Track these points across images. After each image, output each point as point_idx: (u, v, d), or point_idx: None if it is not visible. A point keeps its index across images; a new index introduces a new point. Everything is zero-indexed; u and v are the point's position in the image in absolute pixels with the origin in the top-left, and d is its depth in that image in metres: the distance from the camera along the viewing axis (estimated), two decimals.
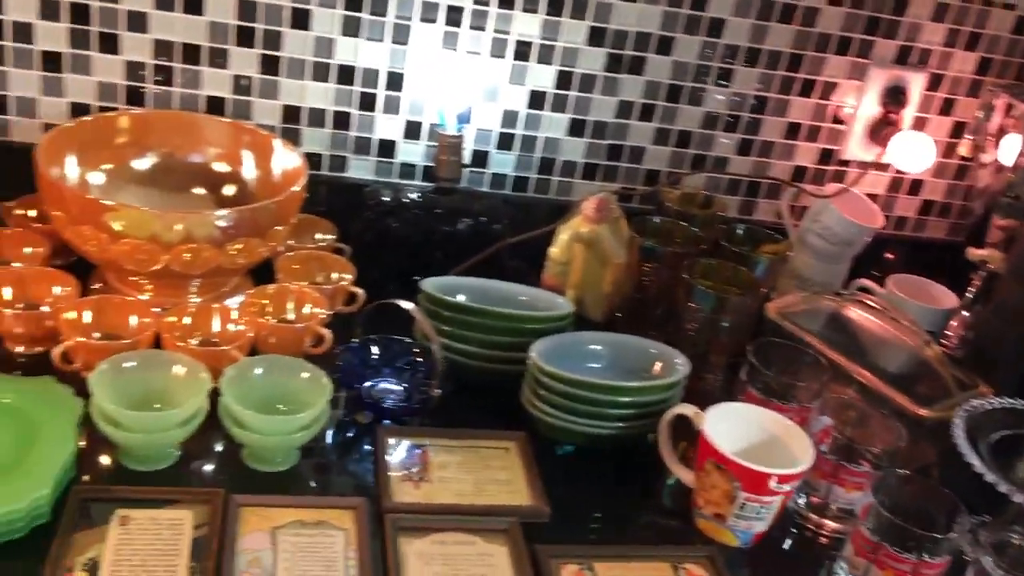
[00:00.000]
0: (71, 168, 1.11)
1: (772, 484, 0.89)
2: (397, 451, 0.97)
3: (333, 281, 1.18)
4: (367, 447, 0.99)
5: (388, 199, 1.27)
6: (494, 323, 1.07)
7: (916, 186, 1.48)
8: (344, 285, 1.15)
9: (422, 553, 0.86)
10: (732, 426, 0.94)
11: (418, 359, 1.06)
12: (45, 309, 1.00)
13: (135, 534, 0.81)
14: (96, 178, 1.14)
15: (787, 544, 0.97)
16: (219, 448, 0.94)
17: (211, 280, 1.12)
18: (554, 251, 1.21)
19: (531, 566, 0.85)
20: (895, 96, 1.37)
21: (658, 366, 1.07)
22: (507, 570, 0.85)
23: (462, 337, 1.07)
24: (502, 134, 1.34)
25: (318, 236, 1.27)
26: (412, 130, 1.32)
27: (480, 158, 1.35)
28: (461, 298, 1.09)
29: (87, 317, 1.01)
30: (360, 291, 1.15)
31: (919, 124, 1.41)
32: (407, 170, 1.35)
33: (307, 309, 1.10)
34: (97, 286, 1.11)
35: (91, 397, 0.87)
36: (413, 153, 1.33)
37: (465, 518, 0.90)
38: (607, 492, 0.99)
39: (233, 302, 1.11)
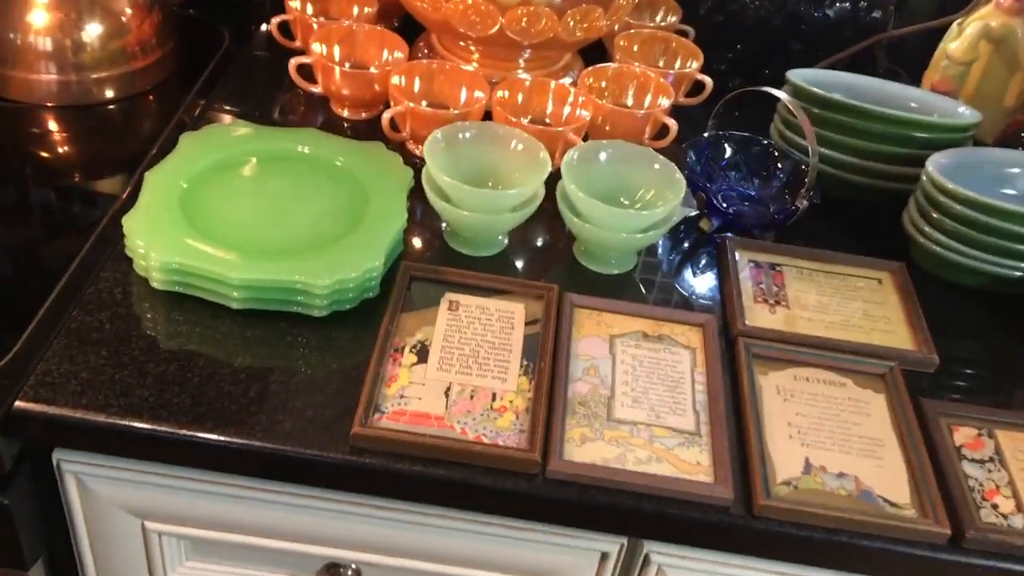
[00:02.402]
0: None
1: None
2: (748, 268, 0.83)
3: (676, 67, 1.02)
4: (706, 259, 0.86)
5: None
6: (877, 127, 0.88)
7: None
8: (691, 72, 0.99)
9: (782, 388, 0.72)
10: None
11: (778, 164, 0.90)
12: (373, 71, 0.92)
13: (464, 321, 0.74)
14: None
15: None
16: (546, 242, 0.85)
17: (542, 54, 0.99)
18: (954, 48, 0.98)
19: (916, 421, 0.70)
20: None
21: None
22: (884, 422, 0.71)
23: (835, 142, 0.89)
24: None
25: (659, 17, 1.10)
26: None
27: None
28: (837, 96, 0.90)
29: (416, 84, 0.92)
30: (708, 80, 0.99)
31: None
32: None
33: (648, 96, 0.96)
34: (422, 52, 1.02)
35: (423, 167, 0.79)
36: None
37: (833, 355, 0.75)
38: (1001, 345, 0.80)
39: (564, 82, 0.99)
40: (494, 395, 0.68)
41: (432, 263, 0.79)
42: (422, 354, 0.71)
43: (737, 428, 0.69)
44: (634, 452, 0.66)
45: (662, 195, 0.80)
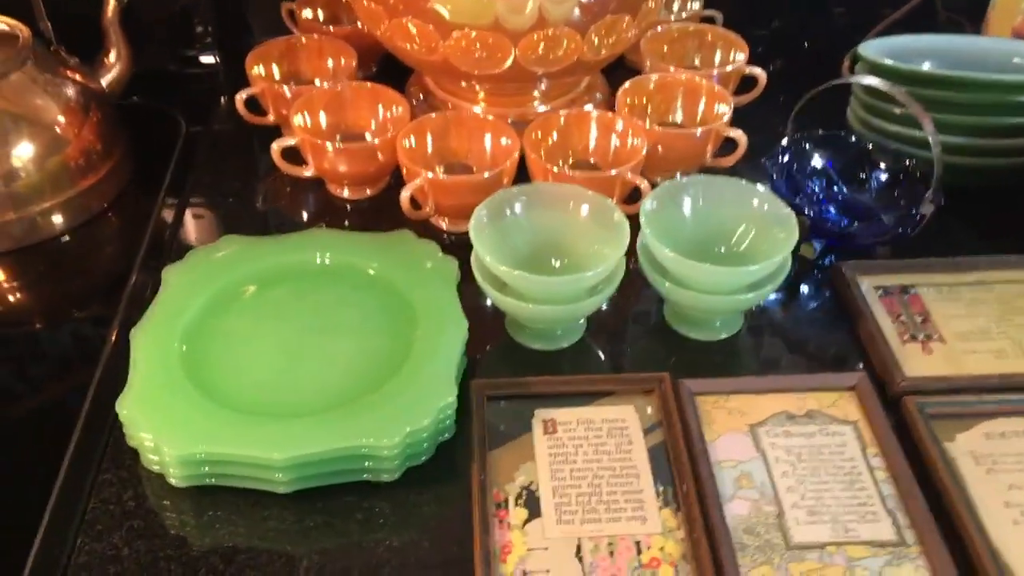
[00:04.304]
0: None
1: None
2: (878, 298, 0.68)
3: (718, 63, 0.87)
4: (815, 290, 0.71)
5: None
6: (987, 98, 0.73)
7: None
8: (738, 67, 0.84)
9: (978, 454, 0.58)
10: None
11: (879, 163, 0.75)
12: (372, 139, 0.76)
13: (569, 446, 0.58)
14: None
15: None
16: (628, 306, 0.69)
17: (561, 81, 0.83)
18: None
19: None
20: None
21: None
22: None
23: (935, 123, 0.74)
24: None
25: (676, 5, 0.95)
26: None
27: None
28: (927, 66, 0.75)
29: (428, 144, 0.76)
30: (761, 72, 0.84)
31: None
32: None
33: (701, 105, 0.80)
34: (416, 98, 0.86)
35: (471, 252, 0.63)
36: None
37: (1021, 396, 0.60)
38: None
39: (588, 107, 0.83)
40: (638, 544, 0.53)
41: (501, 369, 0.64)
42: (532, 504, 0.55)
43: (946, 522, 0.54)
44: None
45: (768, 234, 0.65)
